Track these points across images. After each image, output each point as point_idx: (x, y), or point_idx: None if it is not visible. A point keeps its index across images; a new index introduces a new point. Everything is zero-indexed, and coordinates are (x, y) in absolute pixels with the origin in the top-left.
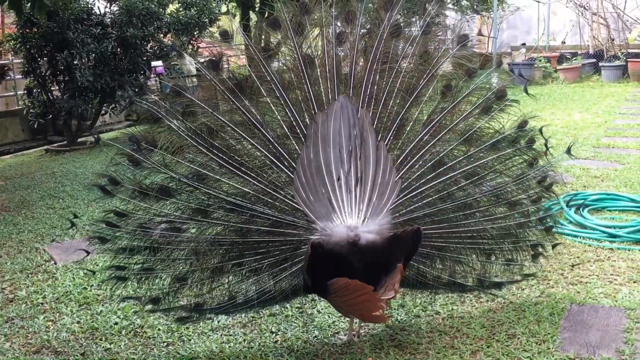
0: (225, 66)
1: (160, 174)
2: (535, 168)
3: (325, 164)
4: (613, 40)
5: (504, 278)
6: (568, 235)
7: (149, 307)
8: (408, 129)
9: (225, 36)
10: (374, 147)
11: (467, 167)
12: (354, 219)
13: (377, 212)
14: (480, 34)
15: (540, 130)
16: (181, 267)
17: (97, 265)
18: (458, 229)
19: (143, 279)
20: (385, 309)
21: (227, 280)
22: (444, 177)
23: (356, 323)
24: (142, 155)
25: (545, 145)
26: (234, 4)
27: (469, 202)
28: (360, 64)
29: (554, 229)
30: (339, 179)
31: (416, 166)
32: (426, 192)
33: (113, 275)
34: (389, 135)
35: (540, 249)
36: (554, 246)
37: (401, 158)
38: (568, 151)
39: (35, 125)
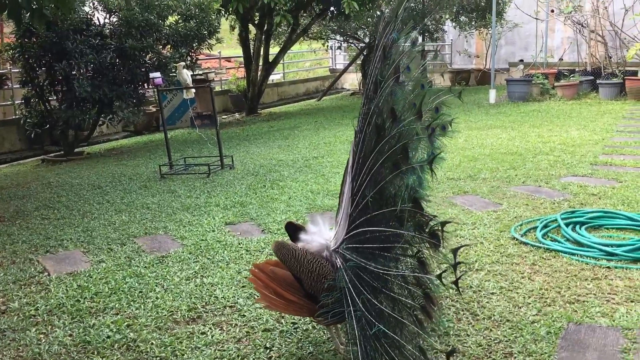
0: None
1: None
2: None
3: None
4: (611, 57)
5: None
6: (565, 253)
7: None
8: (360, 161)
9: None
10: (350, 172)
11: (376, 229)
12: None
13: (337, 239)
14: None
15: (441, 225)
16: None
17: (91, 278)
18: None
19: None
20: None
21: None
22: (363, 229)
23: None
24: None
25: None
26: (234, 16)
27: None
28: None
29: None
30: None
31: (357, 205)
32: (358, 237)
33: None
34: (354, 163)
35: None
36: None
37: (354, 191)
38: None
39: (32, 135)
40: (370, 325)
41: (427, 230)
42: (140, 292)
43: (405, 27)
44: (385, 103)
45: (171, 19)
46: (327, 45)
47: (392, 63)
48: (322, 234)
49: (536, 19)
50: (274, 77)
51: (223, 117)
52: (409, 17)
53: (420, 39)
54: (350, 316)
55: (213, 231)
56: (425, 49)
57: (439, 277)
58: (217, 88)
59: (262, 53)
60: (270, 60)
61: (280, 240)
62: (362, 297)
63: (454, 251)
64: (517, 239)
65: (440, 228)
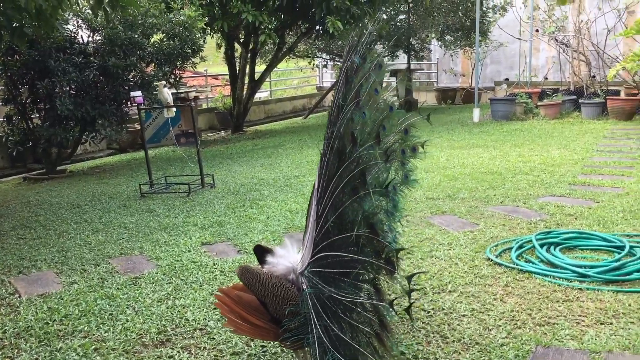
0: None
1: None
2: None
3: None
4: (594, 77)
5: None
6: (539, 274)
7: None
8: (324, 184)
9: None
10: (315, 196)
11: (337, 253)
12: (297, 261)
13: (303, 262)
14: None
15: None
16: None
17: (62, 300)
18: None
19: None
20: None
21: None
22: (326, 253)
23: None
24: None
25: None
26: (220, 35)
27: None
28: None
29: None
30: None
31: (321, 228)
32: (321, 261)
33: None
34: (319, 186)
35: None
36: None
37: (318, 214)
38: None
39: (14, 153)
40: (329, 351)
41: (383, 256)
42: (111, 314)
43: (370, 51)
44: (347, 127)
45: (155, 38)
46: (314, 64)
47: (354, 87)
48: (289, 257)
49: (519, 39)
50: (262, 95)
51: (209, 134)
52: (376, 40)
53: (385, 62)
54: (313, 341)
55: (189, 251)
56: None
57: (391, 304)
58: (204, 106)
59: (247, 71)
60: (256, 79)
61: (245, 265)
62: (322, 322)
63: (409, 278)
64: (491, 260)
65: (395, 255)
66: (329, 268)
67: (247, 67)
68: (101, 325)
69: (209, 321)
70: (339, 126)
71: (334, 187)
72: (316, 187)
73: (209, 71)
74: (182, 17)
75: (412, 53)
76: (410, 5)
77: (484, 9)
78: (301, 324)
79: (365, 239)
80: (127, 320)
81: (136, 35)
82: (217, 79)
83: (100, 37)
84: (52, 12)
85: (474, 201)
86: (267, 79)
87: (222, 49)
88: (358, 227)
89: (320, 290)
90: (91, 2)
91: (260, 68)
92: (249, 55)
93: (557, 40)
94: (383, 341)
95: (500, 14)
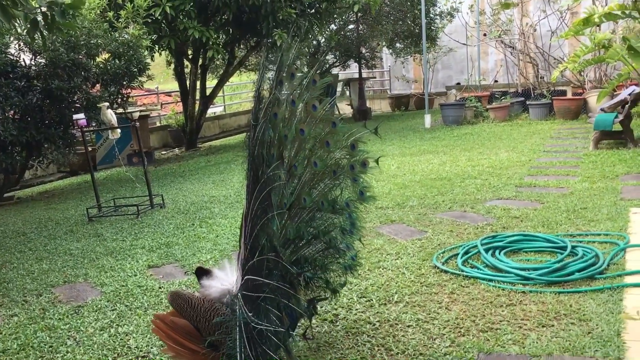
0: None
1: None
2: None
3: None
4: (542, 78)
5: None
6: (483, 279)
7: None
8: (248, 204)
9: None
10: (244, 216)
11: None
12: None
13: (237, 283)
14: None
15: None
16: None
17: (1, 334)
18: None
19: None
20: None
21: None
22: (247, 277)
23: None
24: None
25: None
26: (168, 52)
27: None
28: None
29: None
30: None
31: (246, 251)
32: (246, 284)
33: None
34: (245, 208)
35: None
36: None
37: (245, 235)
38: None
39: None
40: None
41: (287, 279)
42: (51, 346)
43: (294, 68)
44: (259, 147)
45: (101, 58)
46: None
47: (264, 106)
48: (226, 279)
49: (465, 44)
50: (216, 110)
51: (162, 152)
52: (296, 59)
53: (318, 77)
54: None
55: (135, 275)
56: (334, 85)
57: (288, 330)
58: (157, 123)
59: (198, 87)
60: (208, 94)
61: (176, 290)
62: (241, 346)
63: (309, 302)
64: (438, 268)
65: (296, 278)
66: (250, 292)
67: (198, 83)
68: (40, 359)
69: (151, 348)
70: (253, 146)
71: (252, 207)
72: (245, 208)
73: (161, 88)
74: (126, 36)
75: (363, 62)
76: (359, 14)
77: (431, 15)
78: (233, 348)
79: (272, 262)
80: (67, 352)
81: (80, 56)
82: (169, 96)
83: (43, 60)
84: None
85: (423, 208)
86: (220, 94)
87: (172, 65)
88: (263, 249)
89: (242, 315)
90: (28, 25)
91: (212, 83)
92: (199, 71)
93: (503, 44)
94: None
95: (447, 19)
